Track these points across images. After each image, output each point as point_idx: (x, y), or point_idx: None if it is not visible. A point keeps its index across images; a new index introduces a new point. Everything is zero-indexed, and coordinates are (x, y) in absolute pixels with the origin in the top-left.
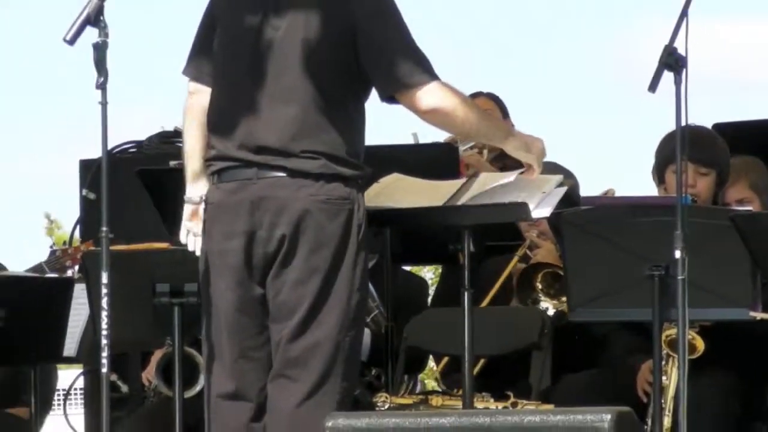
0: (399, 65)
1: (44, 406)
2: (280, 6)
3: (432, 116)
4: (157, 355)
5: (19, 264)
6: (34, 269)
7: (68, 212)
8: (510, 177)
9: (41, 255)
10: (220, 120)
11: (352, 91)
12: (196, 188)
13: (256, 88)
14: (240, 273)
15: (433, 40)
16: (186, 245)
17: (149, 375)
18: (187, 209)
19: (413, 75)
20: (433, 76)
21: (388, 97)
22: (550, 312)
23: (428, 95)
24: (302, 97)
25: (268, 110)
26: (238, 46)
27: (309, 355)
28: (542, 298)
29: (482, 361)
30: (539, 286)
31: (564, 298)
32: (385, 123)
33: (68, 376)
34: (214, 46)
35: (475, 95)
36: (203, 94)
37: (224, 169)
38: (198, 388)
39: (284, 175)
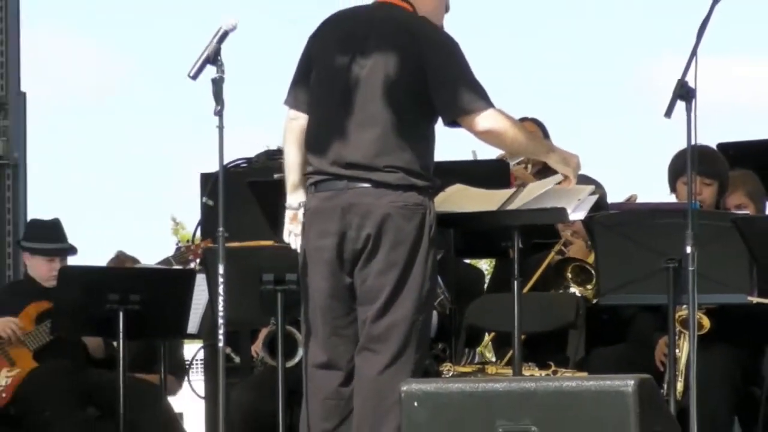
0: (460, 95)
1: (180, 373)
2: (365, 49)
3: (487, 136)
4: (263, 332)
5: (150, 258)
6: (163, 262)
7: (191, 216)
8: (550, 184)
9: (168, 251)
10: (316, 141)
11: (423, 116)
12: (295, 197)
13: (346, 116)
14: (332, 266)
15: (490, 72)
16: (288, 243)
17: (257, 348)
18: (288, 214)
19: (472, 103)
20: (488, 104)
21: (451, 122)
22: None
23: (484, 119)
24: (383, 123)
25: (355, 133)
26: (332, 81)
27: (389, 332)
28: (572, 285)
29: (522, 336)
30: (569, 276)
31: (589, 286)
32: (449, 142)
33: (191, 350)
34: (311, 80)
35: (522, 120)
36: (300, 119)
37: (320, 181)
38: (297, 359)
39: (369, 186)
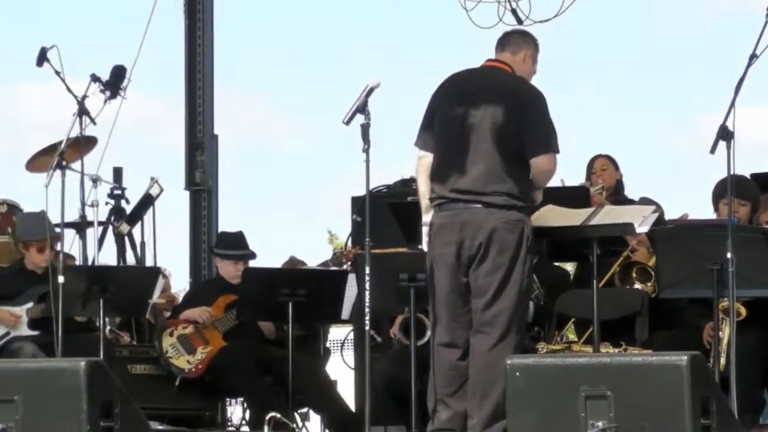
0: (541, 139)
1: (326, 352)
2: (475, 102)
3: (539, 173)
4: (399, 318)
5: (311, 261)
6: (323, 264)
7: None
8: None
9: (326, 256)
10: (439, 173)
11: (520, 152)
12: (428, 216)
13: (461, 154)
14: (453, 267)
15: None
16: (423, 249)
17: (394, 330)
18: (425, 230)
19: (546, 146)
20: (555, 149)
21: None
22: None
23: (548, 161)
24: (490, 159)
25: (469, 167)
26: (450, 127)
27: (496, 318)
28: (636, 283)
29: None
30: (635, 275)
31: (650, 284)
32: None
33: (344, 332)
34: (434, 127)
35: (597, 157)
36: (428, 157)
37: (441, 203)
38: (425, 339)
39: (480, 206)
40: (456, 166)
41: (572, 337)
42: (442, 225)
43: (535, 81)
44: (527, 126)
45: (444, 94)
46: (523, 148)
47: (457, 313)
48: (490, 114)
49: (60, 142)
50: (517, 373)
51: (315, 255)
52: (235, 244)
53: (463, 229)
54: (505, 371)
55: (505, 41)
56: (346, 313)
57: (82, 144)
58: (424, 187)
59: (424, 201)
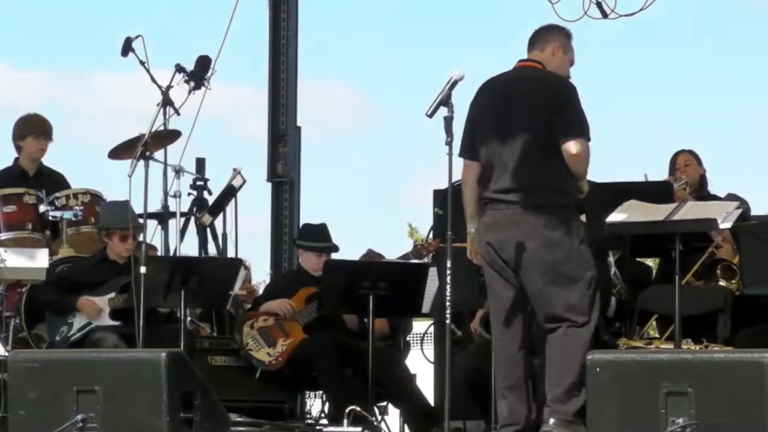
0: (570, 125)
1: (406, 345)
2: (512, 105)
3: (571, 157)
4: (480, 312)
5: (391, 254)
6: (403, 257)
7: (423, 222)
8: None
9: (405, 249)
10: (484, 177)
11: (558, 147)
12: (472, 224)
13: (503, 156)
14: (501, 265)
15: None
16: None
17: (475, 325)
18: (468, 238)
19: (575, 132)
20: (586, 136)
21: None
22: None
23: (576, 145)
24: (530, 158)
25: (510, 167)
26: (490, 133)
27: (565, 312)
28: (720, 279)
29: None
30: (719, 272)
31: (733, 281)
32: (626, 166)
33: (424, 325)
34: (475, 135)
35: (680, 152)
36: (473, 165)
37: (487, 203)
38: None
39: (524, 205)
40: (498, 167)
41: (653, 333)
42: (489, 224)
43: (621, 73)
44: (557, 115)
45: (480, 100)
46: (554, 145)
47: (512, 309)
48: (525, 113)
49: (143, 134)
50: (598, 369)
51: (396, 248)
52: (319, 236)
53: (508, 228)
54: (581, 357)
55: (533, 39)
56: (426, 306)
57: (166, 137)
58: (469, 196)
59: (469, 209)
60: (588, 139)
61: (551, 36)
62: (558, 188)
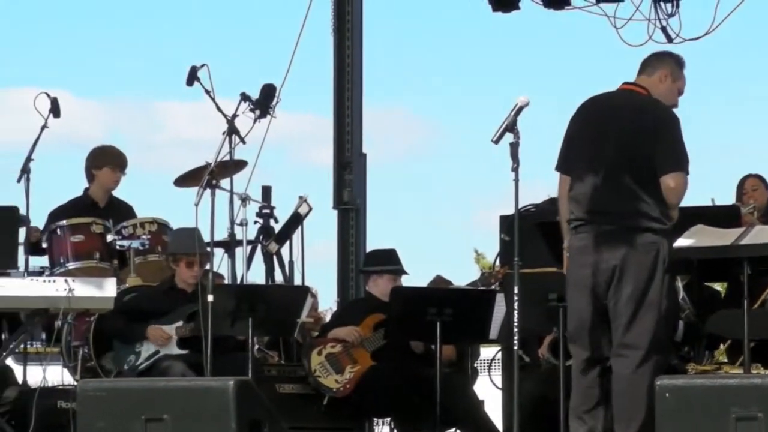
0: (670, 159)
1: (474, 372)
2: (610, 126)
3: (668, 191)
4: (547, 338)
5: (458, 280)
6: (471, 284)
7: (490, 248)
8: None
9: (471, 276)
10: (576, 196)
11: (654, 174)
12: (567, 240)
13: (597, 177)
14: (590, 289)
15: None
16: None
17: (543, 351)
18: (565, 253)
19: (674, 165)
20: (685, 170)
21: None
22: None
23: (674, 178)
24: (625, 181)
25: (604, 190)
26: (586, 151)
27: (636, 341)
28: None
29: (751, 343)
30: None
31: None
32: (693, 190)
33: (491, 351)
34: (572, 150)
35: (747, 176)
36: (567, 180)
37: (578, 225)
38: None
39: (615, 228)
40: (591, 188)
41: (721, 357)
42: (579, 247)
43: (685, 99)
44: (658, 146)
45: (580, 118)
46: (655, 170)
47: (595, 333)
48: (623, 136)
49: (209, 163)
50: (667, 394)
51: (461, 274)
52: (391, 260)
53: (598, 251)
54: (649, 392)
55: (643, 63)
56: (494, 332)
57: (232, 165)
58: (564, 210)
59: (565, 224)
60: (687, 172)
61: (661, 62)
62: (651, 214)
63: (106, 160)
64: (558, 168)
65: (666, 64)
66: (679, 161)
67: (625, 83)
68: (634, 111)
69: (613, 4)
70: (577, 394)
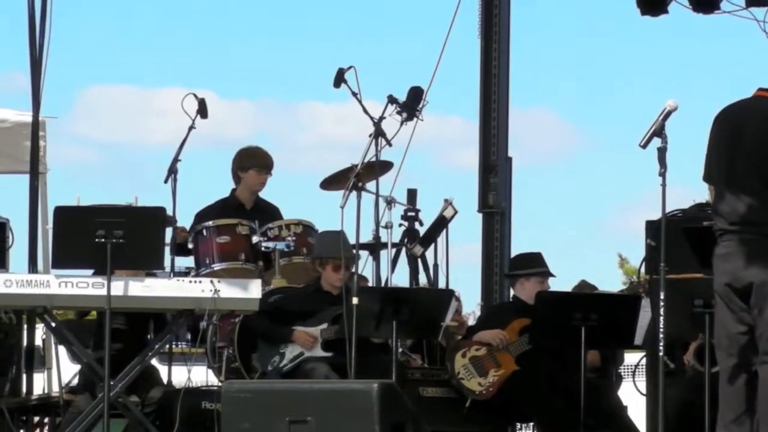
0: None
1: (618, 377)
2: (743, 134)
3: None
4: (693, 344)
5: (602, 284)
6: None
7: (635, 253)
8: None
9: (616, 278)
10: (717, 206)
11: None
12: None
13: (732, 185)
14: (731, 298)
15: None
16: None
17: (688, 357)
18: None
19: None
20: None
21: None
22: None
23: None
24: (759, 189)
25: (741, 198)
26: (723, 159)
27: None
28: None
29: None
30: None
31: None
32: None
33: (636, 357)
34: (712, 164)
35: None
36: (713, 190)
37: (721, 234)
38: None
39: (753, 237)
40: (730, 197)
41: None
42: (721, 256)
43: None
44: None
45: (717, 127)
46: None
47: (740, 340)
48: (756, 145)
49: (355, 165)
50: None
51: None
52: (537, 263)
53: (738, 260)
54: None
55: None
56: (639, 338)
57: (378, 168)
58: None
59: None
60: None
61: None
62: None
63: (252, 162)
64: (704, 178)
65: None
66: None
67: (760, 89)
68: (764, 119)
69: (763, 8)
70: (723, 402)
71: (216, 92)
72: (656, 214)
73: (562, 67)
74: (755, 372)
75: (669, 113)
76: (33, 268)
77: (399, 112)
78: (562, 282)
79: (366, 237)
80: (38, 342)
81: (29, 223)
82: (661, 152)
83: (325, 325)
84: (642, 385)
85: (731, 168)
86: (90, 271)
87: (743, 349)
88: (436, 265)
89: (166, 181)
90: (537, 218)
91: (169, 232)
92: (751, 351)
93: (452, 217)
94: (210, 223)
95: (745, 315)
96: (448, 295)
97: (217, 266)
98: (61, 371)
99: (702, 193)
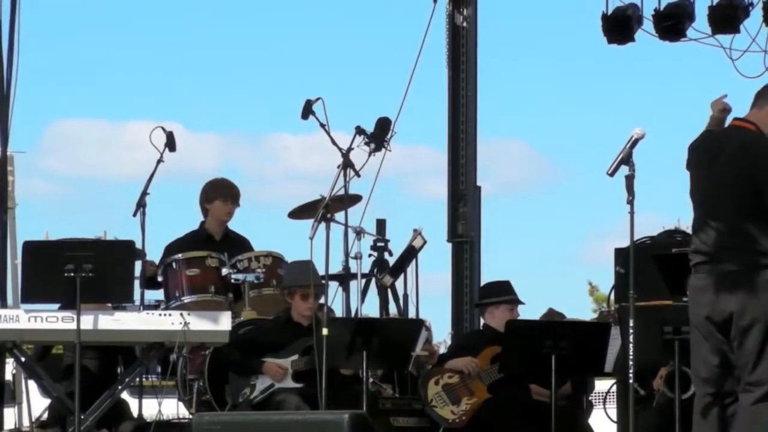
0: None
1: (589, 405)
2: (715, 163)
3: None
4: (663, 371)
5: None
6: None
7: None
8: None
9: (585, 306)
10: (694, 235)
11: (763, 211)
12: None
13: (705, 214)
14: (710, 329)
15: None
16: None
17: (658, 384)
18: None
19: None
20: None
21: None
22: None
23: None
24: (733, 219)
25: (712, 227)
26: (698, 188)
27: (760, 379)
28: None
29: None
30: None
31: None
32: None
33: (606, 384)
34: (691, 192)
35: None
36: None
37: (696, 264)
38: (690, 392)
39: (730, 266)
40: (705, 226)
41: None
42: (699, 288)
43: None
44: (763, 183)
45: (692, 156)
46: (763, 207)
47: (717, 371)
48: (730, 178)
49: (324, 196)
50: None
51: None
52: (506, 291)
53: (714, 291)
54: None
55: (755, 96)
56: (609, 365)
57: (347, 199)
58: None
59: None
60: None
61: None
62: (762, 251)
63: (217, 193)
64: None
65: None
66: None
67: (735, 119)
68: (739, 151)
69: (728, 35)
70: (698, 426)
71: (183, 124)
72: (625, 242)
73: (530, 96)
74: (730, 403)
75: (636, 141)
76: (2, 302)
77: (367, 143)
78: (532, 310)
79: (335, 268)
80: (8, 377)
81: None
82: (629, 180)
83: (295, 357)
84: (613, 412)
85: (708, 197)
86: (56, 305)
87: (721, 377)
88: (406, 295)
89: (134, 215)
90: (507, 247)
91: (138, 266)
92: (729, 380)
93: (421, 246)
94: (179, 255)
95: (723, 346)
96: (418, 324)
97: (186, 299)
98: (31, 406)
99: (671, 220)
